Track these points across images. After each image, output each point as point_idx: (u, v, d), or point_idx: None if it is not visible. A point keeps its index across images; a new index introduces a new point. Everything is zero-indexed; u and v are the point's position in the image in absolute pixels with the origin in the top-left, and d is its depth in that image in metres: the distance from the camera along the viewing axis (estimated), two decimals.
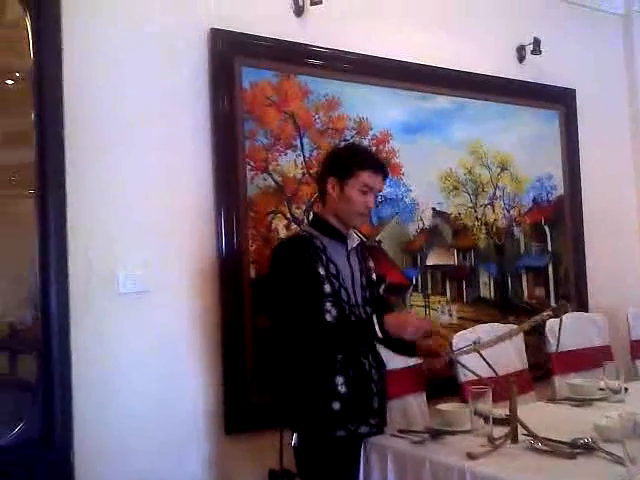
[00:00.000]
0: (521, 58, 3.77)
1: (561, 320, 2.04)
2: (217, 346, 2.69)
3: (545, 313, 1.99)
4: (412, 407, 2.62)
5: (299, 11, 2.98)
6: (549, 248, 3.79)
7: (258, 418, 2.68)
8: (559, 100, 3.91)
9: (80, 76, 2.45)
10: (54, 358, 2.34)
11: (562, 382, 2.93)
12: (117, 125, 2.53)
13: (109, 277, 2.49)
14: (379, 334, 1.98)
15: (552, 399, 2.68)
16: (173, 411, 2.58)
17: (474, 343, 2.02)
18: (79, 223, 2.42)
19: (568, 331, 2.48)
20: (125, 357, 2.50)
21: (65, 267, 2.38)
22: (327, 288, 2.09)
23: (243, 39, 2.81)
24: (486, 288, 3.50)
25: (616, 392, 2.48)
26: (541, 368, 3.07)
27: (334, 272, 2.11)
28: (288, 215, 2.88)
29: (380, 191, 2.26)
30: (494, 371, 2.09)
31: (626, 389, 2.52)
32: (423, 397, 2.70)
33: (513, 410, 1.95)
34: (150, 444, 2.52)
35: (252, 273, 2.76)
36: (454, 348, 2.16)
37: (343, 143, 3.01)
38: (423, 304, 3.25)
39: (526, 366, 2.92)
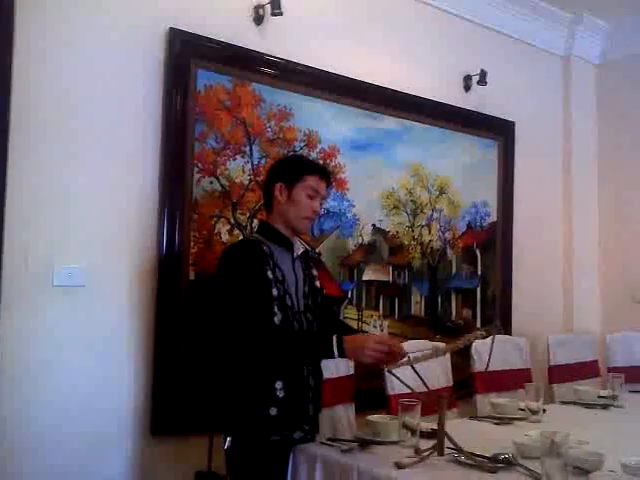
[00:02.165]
0: (467, 87, 3.92)
1: (493, 340, 2.13)
2: (149, 346, 2.68)
3: (479, 332, 2.08)
4: (341, 417, 2.67)
5: (259, 19, 3.02)
6: (479, 272, 3.94)
7: (186, 420, 2.68)
8: (499, 131, 4.08)
9: (31, 67, 2.43)
10: None
11: (484, 401, 3.05)
12: (63, 118, 2.51)
13: (44, 269, 2.45)
14: (336, 354, 2.01)
15: (474, 416, 2.78)
16: (99, 409, 2.56)
17: (408, 357, 2.09)
18: (17, 212, 2.39)
19: (493, 352, 2.58)
20: (54, 351, 2.47)
21: None
22: (274, 292, 2.12)
23: (201, 41, 2.83)
24: (417, 306, 3.60)
25: (535, 412, 2.60)
26: (465, 387, 3.18)
27: (280, 278, 2.15)
28: (232, 220, 2.90)
29: (324, 198, 2.34)
30: (426, 385, 2.16)
31: (544, 410, 2.65)
32: (352, 407, 2.75)
33: (441, 423, 2.02)
34: (74, 441, 2.49)
35: (191, 275, 2.77)
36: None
37: (292, 153, 3.06)
38: (356, 317, 3.32)
39: (451, 383, 3.02)
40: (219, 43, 2.87)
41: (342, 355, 2.03)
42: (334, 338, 2.01)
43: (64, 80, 2.51)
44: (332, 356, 2.04)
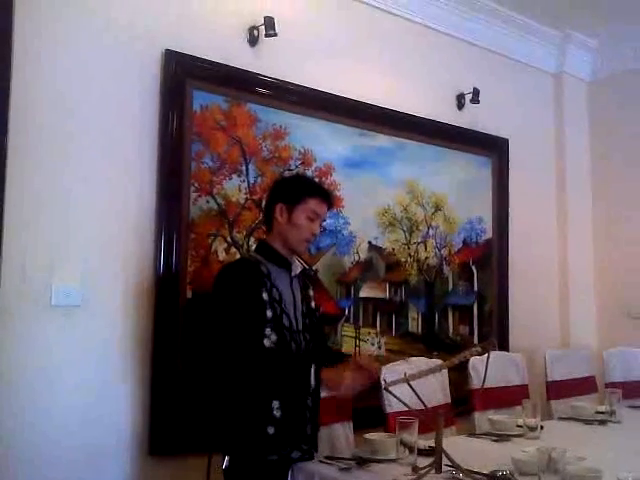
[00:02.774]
0: (460, 105, 3.95)
1: (488, 357, 2.13)
2: (147, 365, 2.68)
3: (474, 349, 2.09)
4: (339, 435, 2.66)
5: (253, 41, 3.05)
6: (475, 288, 3.95)
7: (184, 441, 2.67)
8: (493, 148, 4.11)
9: (29, 88, 2.45)
10: None
11: (482, 418, 3.05)
12: (62, 138, 2.53)
13: (42, 288, 2.46)
14: (312, 384, 2.06)
15: (472, 433, 2.78)
16: (97, 428, 2.55)
17: (405, 374, 2.09)
18: (16, 232, 2.40)
19: (490, 369, 2.58)
20: (52, 370, 2.47)
21: None
22: (269, 313, 2.13)
23: (196, 62, 2.85)
24: (414, 323, 3.61)
25: (532, 429, 2.60)
26: (462, 404, 3.17)
27: (277, 298, 2.16)
28: (229, 239, 2.91)
29: (324, 220, 2.35)
30: (423, 403, 2.16)
31: (542, 427, 2.65)
32: (350, 426, 2.75)
33: (439, 441, 2.02)
34: (71, 459, 2.48)
35: (188, 294, 2.77)
36: (384, 379, 2.22)
37: (288, 172, 3.08)
38: (354, 335, 3.33)
39: (449, 400, 3.02)
40: (214, 64, 2.90)
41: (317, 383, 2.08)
42: (312, 369, 2.06)
43: (61, 102, 2.53)
44: (309, 389, 2.08)
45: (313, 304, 2.38)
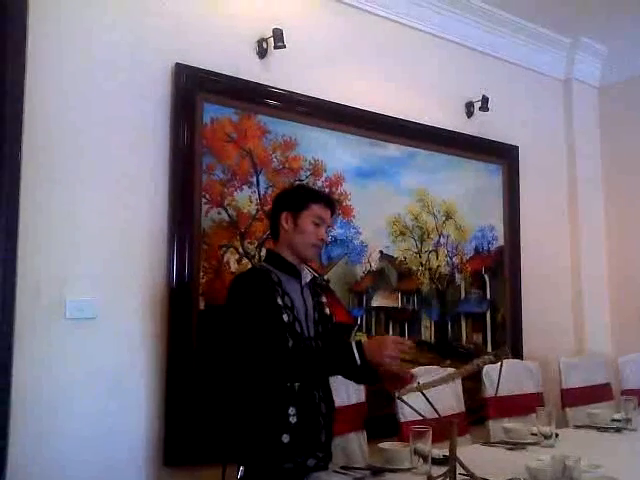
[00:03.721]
0: (469, 114, 3.95)
1: (501, 365, 2.13)
2: (161, 376, 2.69)
3: (487, 357, 2.08)
4: (353, 445, 2.67)
5: (262, 53, 3.07)
6: (488, 296, 3.94)
7: (199, 452, 2.68)
8: (503, 155, 4.11)
9: (41, 102, 2.48)
10: None
11: (496, 426, 3.04)
12: (74, 151, 2.55)
13: (57, 302, 2.48)
14: (358, 361, 2.00)
15: (487, 442, 2.77)
16: (112, 439, 2.56)
17: (418, 383, 2.09)
18: (30, 246, 2.42)
19: (503, 377, 2.58)
20: (67, 382, 2.48)
21: (13, 289, 2.36)
22: (285, 318, 2.15)
23: (206, 75, 2.88)
24: (427, 331, 3.60)
25: (547, 437, 2.59)
26: (476, 412, 3.16)
27: (289, 305, 2.18)
28: (240, 249, 2.92)
29: (330, 226, 2.37)
30: (436, 411, 2.16)
31: (557, 435, 2.64)
32: (364, 435, 2.75)
33: (453, 449, 2.01)
34: (87, 471, 2.49)
35: (201, 305, 2.79)
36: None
37: (297, 183, 3.09)
38: None
39: (463, 409, 3.01)
40: (224, 77, 2.92)
41: (364, 360, 2.01)
42: (353, 344, 2.03)
43: (74, 114, 2.56)
44: (355, 362, 2.01)
45: (327, 310, 2.38)
